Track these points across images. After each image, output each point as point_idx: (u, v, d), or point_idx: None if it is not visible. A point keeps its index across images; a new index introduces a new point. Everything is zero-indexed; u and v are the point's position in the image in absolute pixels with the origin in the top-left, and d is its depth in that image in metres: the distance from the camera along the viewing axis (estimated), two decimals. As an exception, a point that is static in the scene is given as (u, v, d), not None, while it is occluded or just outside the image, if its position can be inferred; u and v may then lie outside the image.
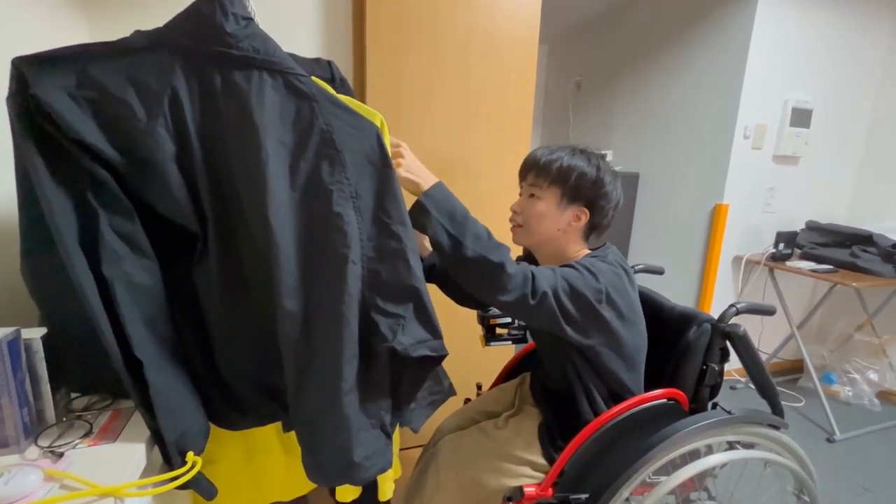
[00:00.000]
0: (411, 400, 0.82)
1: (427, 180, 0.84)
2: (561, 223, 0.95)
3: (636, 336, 0.94)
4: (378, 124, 0.75)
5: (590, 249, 0.99)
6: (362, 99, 1.43)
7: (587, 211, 0.95)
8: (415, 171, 0.84)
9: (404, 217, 0.73)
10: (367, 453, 0.71)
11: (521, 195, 1.01)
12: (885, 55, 2.51)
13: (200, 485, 0.65)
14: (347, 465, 0.70)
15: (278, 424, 0.85)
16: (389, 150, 0.75)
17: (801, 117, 2.38)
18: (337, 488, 0.88)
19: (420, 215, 0.81)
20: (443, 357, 0.75)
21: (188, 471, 0.62)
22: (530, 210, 0.96)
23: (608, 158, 2.87)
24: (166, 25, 0.67)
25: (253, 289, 0.73)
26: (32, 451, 0.61)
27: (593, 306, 0.85)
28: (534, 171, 0.96)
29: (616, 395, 0.95)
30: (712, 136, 2.43)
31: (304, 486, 0.92)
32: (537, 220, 0.95)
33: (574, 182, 0.93)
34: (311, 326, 0.68)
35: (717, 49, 2.40)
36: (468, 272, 0.83)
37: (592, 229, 0.98)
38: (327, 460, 0.72)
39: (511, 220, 1.00)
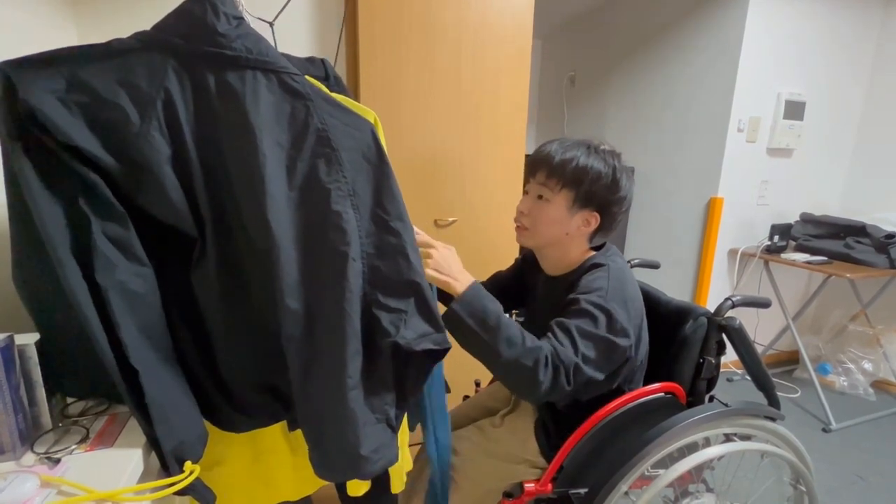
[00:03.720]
0: (416, 393, 0.82)
1: (459, 280, 0.80)
2: (570, 227, 0.91)
3: (644, 341, 0.94)
4: (372, 121, 0.74)
5: (593, 250, 0.96)
6: (355, 98, 1.43)
7: (598, 215, 0.90)
8: (445, 270, 0.80)
9: (402, 213, 0.73)
10: (374, 447, 0.71)
11: (526, 192, 0.94)
12: (876, 48, 2.53)
13: (198, 491, 0.65)
14: (355, 459, 0.70)
15: (284, 424, 0.85)
16: (385, 147, 0.75)
17: (794, 110, 2.39)
18: (347, 483, 0.87)
19: (451, 322, 0.78)
20: (446, 350, 0.75)
21: (186, 477, 0.62)
22: (538, 214, 0.91)
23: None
24: (156, 26, 0.65)
25: (252, 290, 0.73)
26: (28, 458, 0.60)
27: (616, 345, 0.83)
28: (545, 169, 0.89)
29: (614, 388, 0.95)
30: (706, 130, 2.44)
31: (312, 484, 0.92)
32: (545, 225, 0.91)
33: (588, 186, 0.87)
34: (315, 324, 0.68)
35: (710, 42, 2.40)
36: (501, 375, 0.83)
37: (599, 231, 0.94)
38: (335, 455, 0.72)
39: (517, 220, 0.95)
